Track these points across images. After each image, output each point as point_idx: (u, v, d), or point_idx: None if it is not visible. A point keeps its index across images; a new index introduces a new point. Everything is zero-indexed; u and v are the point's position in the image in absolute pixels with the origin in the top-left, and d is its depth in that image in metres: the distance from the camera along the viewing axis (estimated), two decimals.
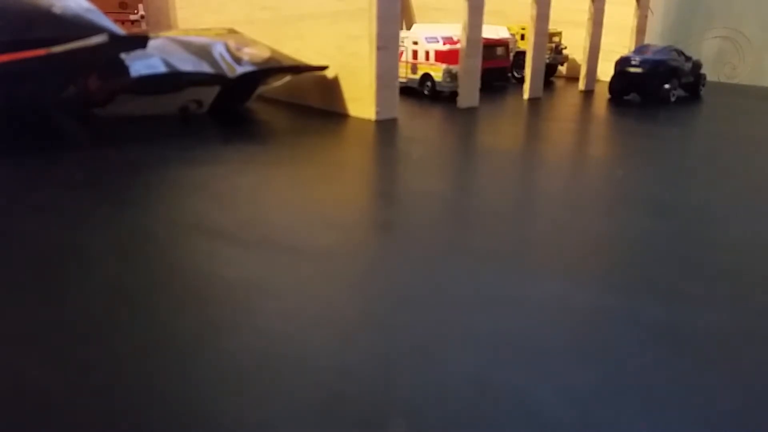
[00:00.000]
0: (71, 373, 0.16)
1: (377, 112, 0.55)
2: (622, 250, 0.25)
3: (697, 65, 0.74)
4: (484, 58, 0.65)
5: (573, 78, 0.90)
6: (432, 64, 0.69)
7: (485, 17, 0.61)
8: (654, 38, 1.05)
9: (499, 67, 0.78)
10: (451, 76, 0.67)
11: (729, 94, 0.79)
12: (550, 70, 0.88)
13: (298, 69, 0.58)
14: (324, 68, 0.58)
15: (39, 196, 0.32)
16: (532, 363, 0.17)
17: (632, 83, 0.70)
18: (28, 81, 0.44)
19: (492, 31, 0.79)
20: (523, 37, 0.87)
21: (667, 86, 0.68)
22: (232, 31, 0.59)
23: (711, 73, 0.98)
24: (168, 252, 0.24)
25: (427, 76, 0.70)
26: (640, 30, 0.84)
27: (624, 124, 0.56)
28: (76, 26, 0.43)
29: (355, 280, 0.22)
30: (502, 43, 0.77)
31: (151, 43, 0.47)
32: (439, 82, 0.69)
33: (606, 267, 0.24)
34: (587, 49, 0.76)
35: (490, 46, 0.74)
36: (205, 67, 0.51)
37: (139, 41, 0.45)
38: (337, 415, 0.14)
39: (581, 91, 0.78)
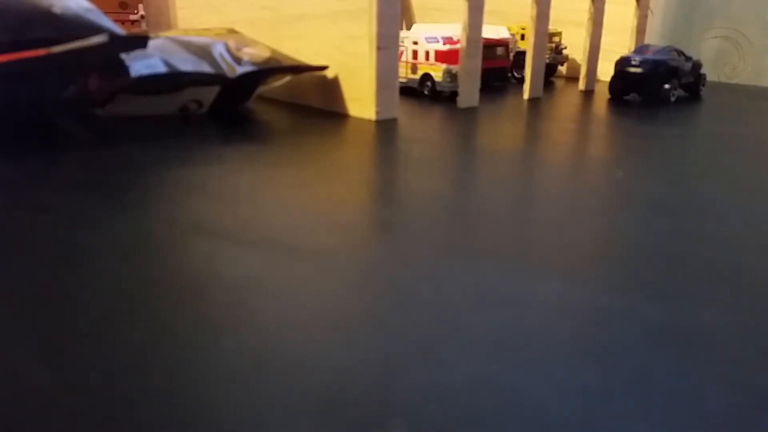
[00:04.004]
0: (71, 373, 0.16)
1: (377, 112, 0.55)
2: (621, 250, 0.25)
3: (697, 65, 0.74)
4: (484, 58, 0.65)
5: (573, 78, 0.90)
6: (432, 64, 0.69)
7: (485, 17, 0.61)
8: (654, 38, 1.05)
9: (499, 67, 0.78)
10: (451, 76, 0.67)
11: (729, 94, 0.79)
12: (550, 70, 0.88)
13: (298, 69, 0.58)
14: (324, 68, 0.58)
15: (39, 196, 0.32)
16: (532, 362, 0.17)
17: (632, 83, 0.70)
18: (28, 81, 0.44)
19: (492, 31, 0.79)
20: (523, 37, 0.87)
21: (667, 86, 0.68)
22: (232, 31, 0.59)
23: (711, 73, 0.98)
24: (168, 251, 0.24)
25: (427, 76, 0.70)
26: (640, 30, 0.84)
27: (624, 124, 0.56)
28: (76, 26, 0.43)
29: (355, 280, 0.22)
30: (502, 43, 0.77)
31: (151, 43, 0.47)
32: (439, 82, 0.69)
33: (606, 266, 0.24)
34: (587, 49, 0.76)
35: (490, 46, 0.74)
36: (205, 67, 0.51)
37: (139, 41, 0.45)
38: (337, 415, 0.14)
39: (581, 91, 0.78)
